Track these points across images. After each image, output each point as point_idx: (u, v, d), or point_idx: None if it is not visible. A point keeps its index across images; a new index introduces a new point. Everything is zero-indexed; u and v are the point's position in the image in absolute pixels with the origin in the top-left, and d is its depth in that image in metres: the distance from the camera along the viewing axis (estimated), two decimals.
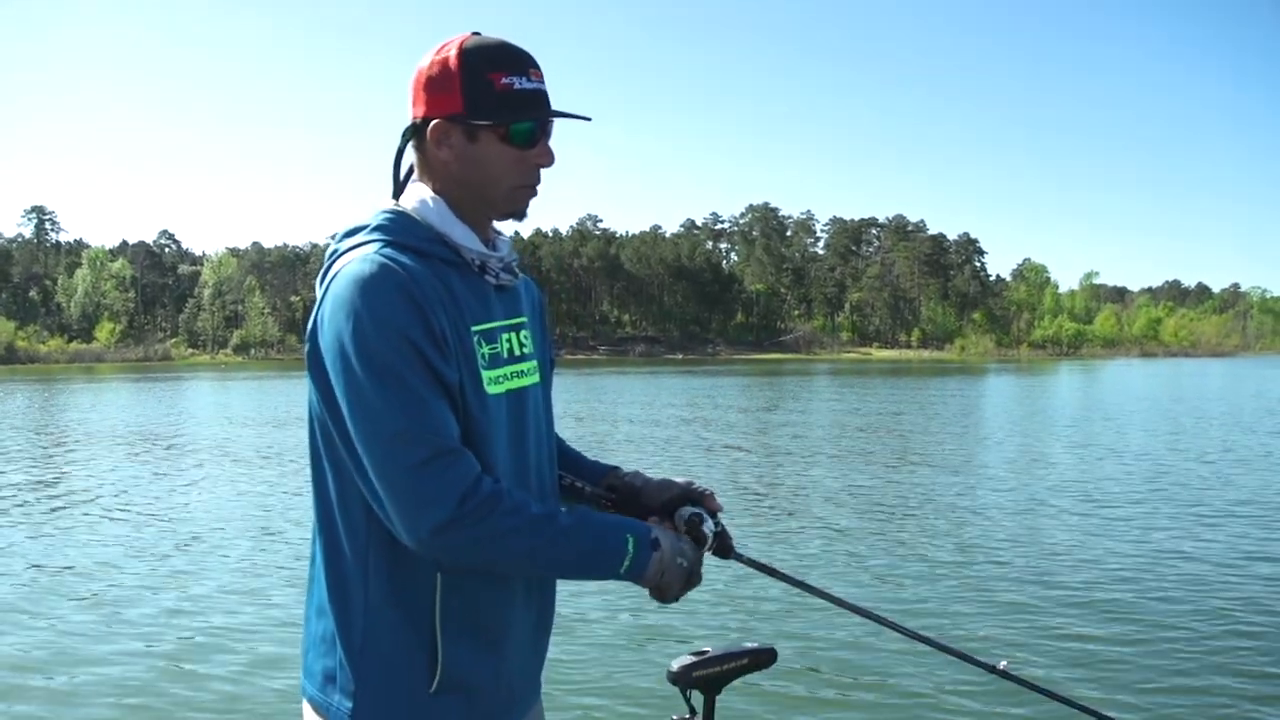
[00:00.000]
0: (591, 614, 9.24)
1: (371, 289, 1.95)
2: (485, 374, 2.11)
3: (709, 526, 2.34)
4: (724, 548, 2.40)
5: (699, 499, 2.41)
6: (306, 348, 2.08)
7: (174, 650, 8.39)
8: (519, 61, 2.13)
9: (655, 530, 2.19)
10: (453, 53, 2.11)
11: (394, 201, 2.21)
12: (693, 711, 2.54)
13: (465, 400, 2.06)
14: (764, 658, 2.59)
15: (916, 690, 7.41)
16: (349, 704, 2.09)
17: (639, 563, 2.12)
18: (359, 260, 2.01)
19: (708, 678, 2.51)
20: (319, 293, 2.08)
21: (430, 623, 2.08)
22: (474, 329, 2.11)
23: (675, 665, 2.50)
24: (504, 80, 2.10)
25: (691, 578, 2.22)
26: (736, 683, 2.53)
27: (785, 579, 2.56)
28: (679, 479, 2.47)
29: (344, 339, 1.96)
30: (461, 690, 2.13)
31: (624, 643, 8.52)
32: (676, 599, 2.23)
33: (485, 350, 2.13)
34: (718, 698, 2.54)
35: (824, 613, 9.17)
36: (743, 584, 10.09)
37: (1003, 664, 2.52)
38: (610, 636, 8.70)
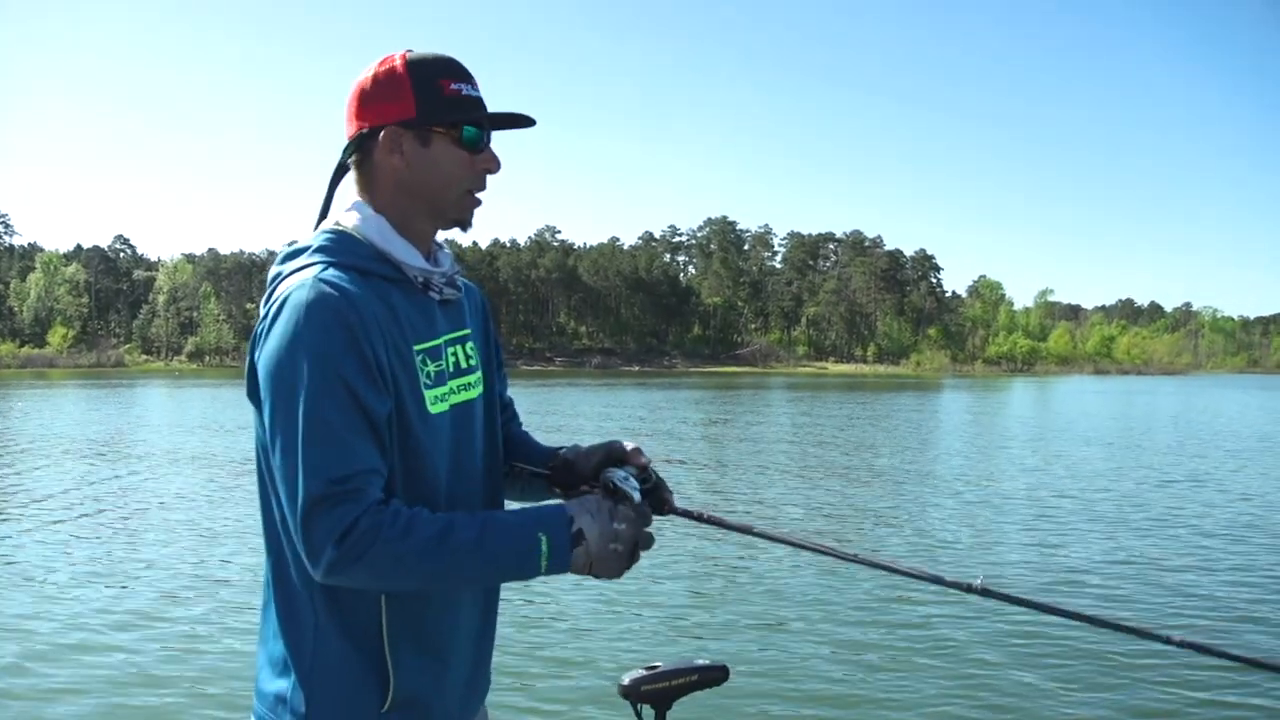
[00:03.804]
0: (544, 624, 9.24)
1: (308, 318, 1.95)
2: (428, 394, 2.11)
3: (631, 485, 2.18)
4: (659, 503, 2.29)
5: (624, 456, 2.33)
6: (247, 372, 2.08)
7: (123, 672, 8.26)
8: (463, 71, 2.21)
9: (580, 519, 2.07)
10: (398, 62, 2.16)
11: (327, 222, 2.21)
12: None
13: (408, 421, 2.06)
14: (716, 675, 2.59)
15: (863, 710, 7.45)
16: None
17: (558, 559, 2.04)
18: (298, 285, 2.01)
19: (658, 692, 2.51)
20: (261, 315, 2.07)
21: (379, 643, 2.09)
22: (417, 348, 2.12)
23: (626, 679, 2.50)
24: (453, 86, 2.17)
25: (631, 556, 2.13)
26: (688, 699, 2.53)
27: (728, 526, 2.45)
28: (607, 441, 2.40)
29: (276, 368, 1.97)
30: (412, 707, 2.13)
31: (576, 654, 8.51)
32: (619, 575, 2.13)
33: (430, 368, 2.13)
34: (668, 713, 2.55)
35: (780, 632, 9.25)
36: (701, 599, 10.13)
37: (979, 581, 2.42)
38: (562, 648, 8.70)
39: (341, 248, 2.11)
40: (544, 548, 2.02)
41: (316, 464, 1.91)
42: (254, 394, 2.06)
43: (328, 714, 2.09)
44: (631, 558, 2.13)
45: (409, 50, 2.19)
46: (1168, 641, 2.40)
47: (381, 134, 2.15)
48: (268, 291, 2.12)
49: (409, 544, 1.93)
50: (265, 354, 2.00)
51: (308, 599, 2.09)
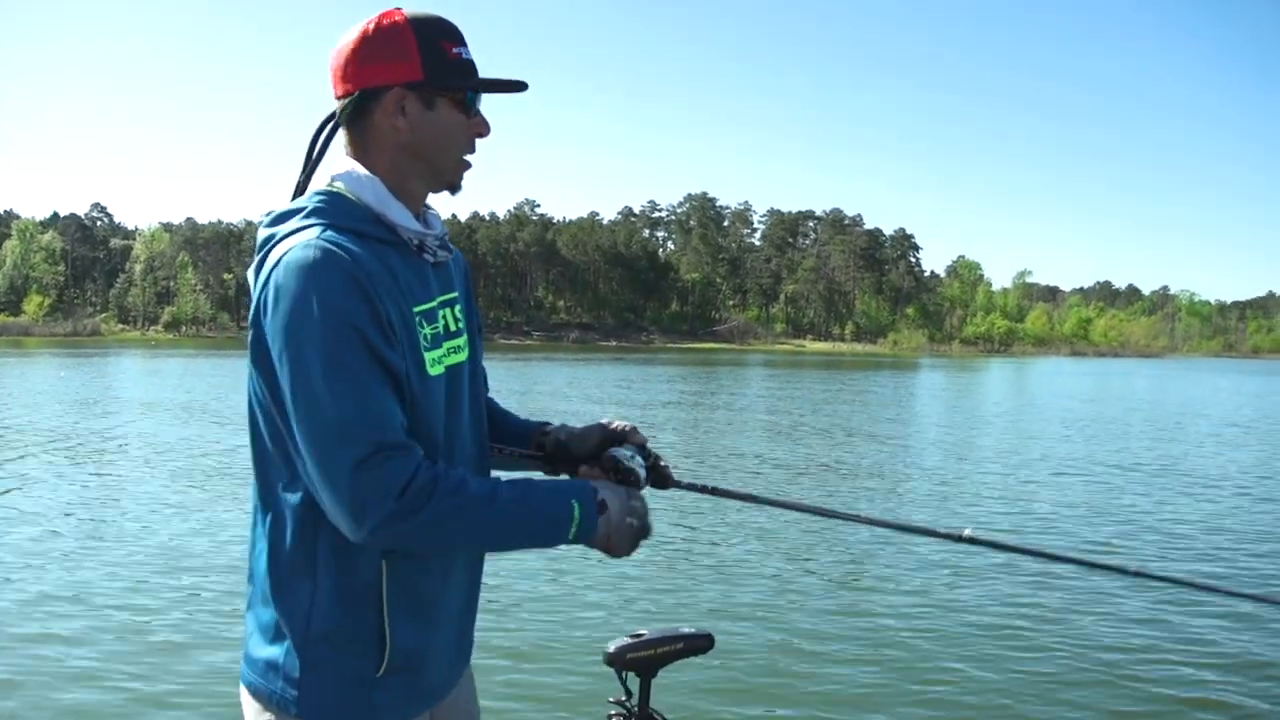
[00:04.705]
0: (530, 593, 9.25)
1: (318, 277, 1.91)
2: (427, 355, 2.09)
3: (637, 463, 2.29)
4: (661, 478, 2.38)
5: (622, 437, 2.39)
6: (250, 337, 2.03)
7: (102, 643, 8.13)
8: (460, 34, 2.17)
9: (603, 491, 2.15)
10: (401, 22, 2.10)
11: (316, 183, 2.18)
12: (629, 693, 2.54)
13: (410, 383, 2.04)
14: (701, 643, 2.60)
15: (848, 678, 7.47)
16: (294, 691, 2.08)
17: (586, 527, 2.09)
18: (301, 246, 1.96)
19: (643, 660, 2.52)
20: (257, 280, 2.03)
21: (377, 606, 2.08)
22: (416, 310, 2.09)
23: (611, 647, 2.51)
24: (454, 49, 2.13)
25: (642, 533, 2.19)
26: (674, 666, 2.53)
27: (732, 495, 2.53)
28: (601, 421, 2.45)
29: (291, 330, 1.91)
30: (406, 670, 2.13)
31: (563, 622, 8.53)
32: (627, 555, 2.19)
33: (427, 331, 2.11)
34: (654, 680, 2.55)
35: (765, 600, 9.30)
36: (686, 568, 10.14)
37: (967, 531, 2.44)
38: (548, 616, 8.70)
39: (337, 210, 2.07)
40: (576, 513, 2.08)
41: (358, 421, 1.89)
42: (259, 359, 2.01)
43: (323, 679, 2.08)
44: (641, 535, 2.19)
45: (397, 10, 2.12)
46: (1123, 572, 2.55)
47: (387, 95, 2.10)
48: (260, 254, 2.08)
49: (463, 498, 1.96)
50: (275, 317, 1.94)
51: (307, 565, 2.07)
